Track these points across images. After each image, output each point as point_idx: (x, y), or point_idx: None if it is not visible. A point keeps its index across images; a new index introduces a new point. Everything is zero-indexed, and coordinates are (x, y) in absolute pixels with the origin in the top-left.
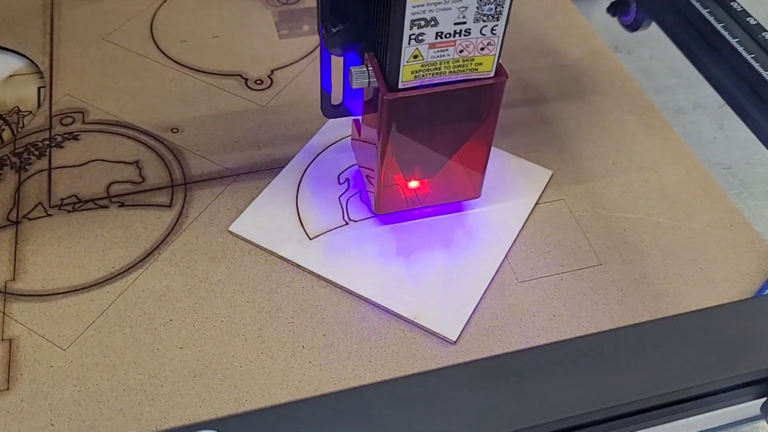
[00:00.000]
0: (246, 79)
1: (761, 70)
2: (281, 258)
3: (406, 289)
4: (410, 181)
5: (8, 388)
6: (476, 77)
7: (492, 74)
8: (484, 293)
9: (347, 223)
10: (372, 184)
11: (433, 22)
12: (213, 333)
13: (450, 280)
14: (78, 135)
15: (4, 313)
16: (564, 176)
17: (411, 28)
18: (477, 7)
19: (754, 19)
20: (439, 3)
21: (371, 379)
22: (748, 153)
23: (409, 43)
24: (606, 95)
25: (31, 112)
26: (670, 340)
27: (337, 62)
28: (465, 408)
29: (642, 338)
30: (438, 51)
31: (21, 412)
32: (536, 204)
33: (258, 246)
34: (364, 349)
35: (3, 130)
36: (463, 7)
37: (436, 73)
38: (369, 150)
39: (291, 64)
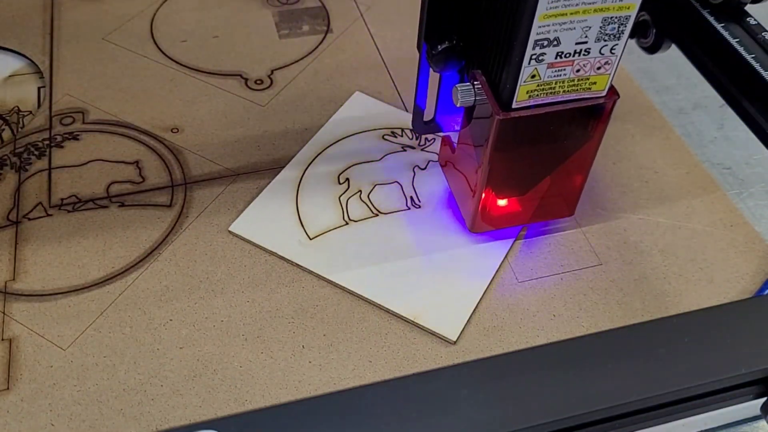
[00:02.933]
0: (246, 79)
1: (761, 70)
2: (281, 258)
3: (406, 289)
4: (508, 200)
5: (8, 388)
6: (588, 96)
7: (604, 93)
8: (484, 293)
9: (347, 223)
10: (467, 202)
11: (555, 42)
12: (213, 333)
13: (450, 280)
14: (78, 135)
15: (4, 313)
16: None
17: (533, 48)
18: (600, 27)
19: (754, 19)
20: (564, 23)
21: (371, 379)
22: (748, 153)
23: (529, 63)
24: None
25: (31, 112)
26: (670, 340)
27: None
28: (465, 408)
29: (642, 338)
30: (555, 71)
31: (21, 412)
32: None
33: (258, 246)
34: (364, 349)
35: (3, 130)
36: (587, 26)
37: (551, 93)
38: (465, 168)
39: (291, 64)
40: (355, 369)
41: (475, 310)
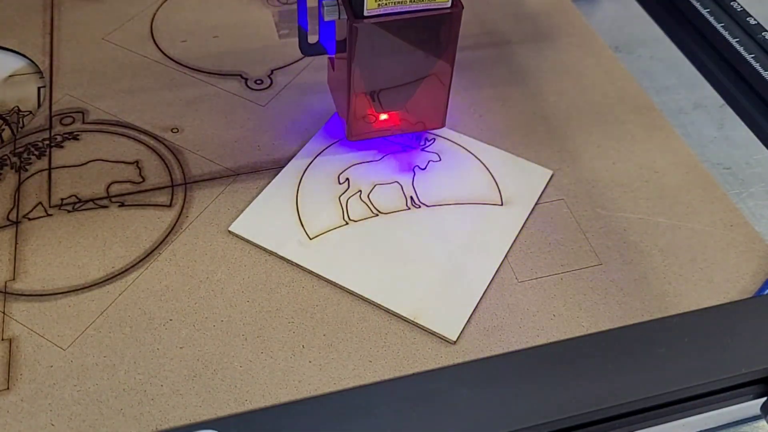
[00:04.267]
0: (246, 79)
1: (761, 70)
2: (281, 258)
3: (406, 289)
4: (378, 109)
5: (8, 388)
6: (435, 7)
7: (449, 5)
8: (484, 293)
9: (347, 223)
10: (345, 114)
11: None
12: (213, 333)
13: (450, 280)
14: (78, 135)
15: (4, 312)
16: (564, 176)
17: None
18: None
19: (754, 19)
20: None
21: (371, 379)
22: (748, 153)
23: None
24: (606, 95)
25: (31, 112)
26: (670, 340)
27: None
28: (465, 408)
29: (642, 338)
30: None
31: (21, 411)
32: (536, 204)
33: (258, 246)
34: (364, 349)
35: (3, 130)
36: None
37: (398, 2)
38: (342, 83)
39: (291, 64)
40: (355, 369)
41: (475, 310)
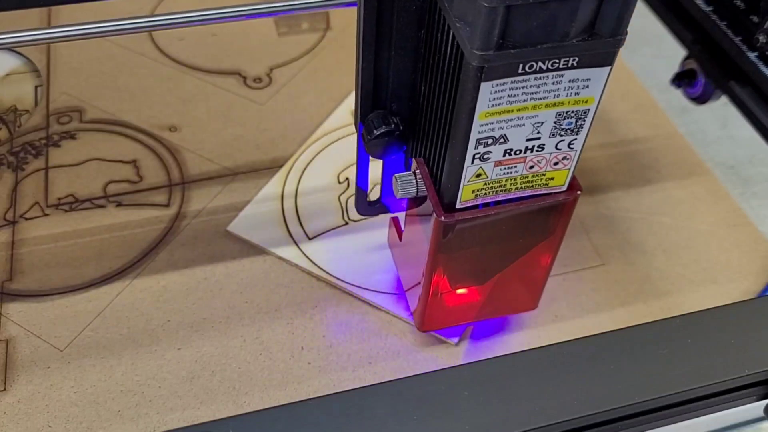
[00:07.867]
0: (245, 78)
1: (764, 69)
2: (280, 258)
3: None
4: (460, 297)
5: (5, 390)
6: (545, 192)
7: (564, 188)
8: None
9: (347, 223)
10: (414, 296)
11: (502, 140)
12: (211, 334)
13: None
14: (75, 134)
15: (0, 313)
16: None
17: (476, 147)
18: (555, 122)
19: (757, 18)
20: (511, 119)
21: (371, 381)
22: (752, 152)
23: (472, 163)
24: (608, 94)
25: (28, 110)
26: (673, 341)
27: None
28: (465, 409)
29: (645, 339)
30: (505, 168)
31: (18, 413)
32: None
33: (256, 246)
34: (364, 351)
35: (0, 129)
36: (538, 122)
37: (501, 191)
38: (413, 259)
39: (290, 62)
40: (355, 370)
41: None
